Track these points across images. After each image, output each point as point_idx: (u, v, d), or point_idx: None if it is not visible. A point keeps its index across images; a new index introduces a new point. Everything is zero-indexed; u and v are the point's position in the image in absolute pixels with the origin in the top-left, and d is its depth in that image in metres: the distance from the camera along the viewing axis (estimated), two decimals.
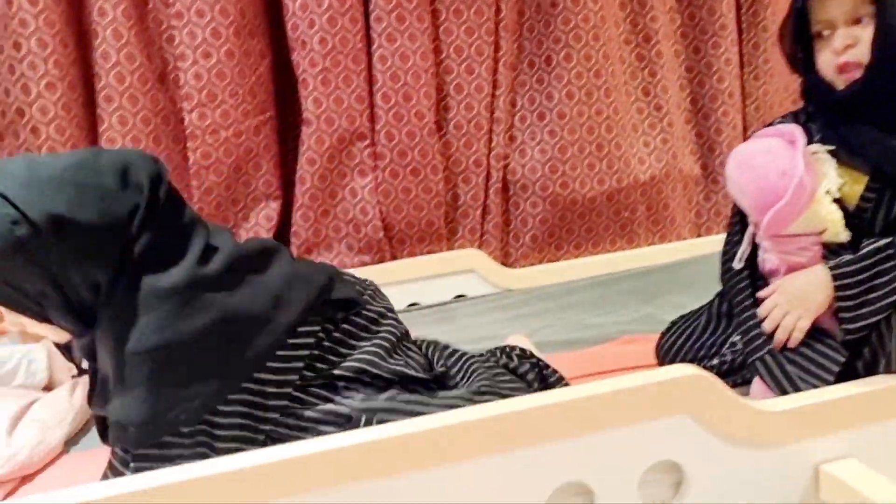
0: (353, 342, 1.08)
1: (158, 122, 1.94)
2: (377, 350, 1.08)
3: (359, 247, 2.11)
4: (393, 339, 1.12)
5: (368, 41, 1.99)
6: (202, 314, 0.92)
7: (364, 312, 1.11)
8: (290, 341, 0.99)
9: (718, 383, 1.05)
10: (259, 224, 2.08)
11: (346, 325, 1.08)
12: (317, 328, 1.03)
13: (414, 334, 1.76)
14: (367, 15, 1.97)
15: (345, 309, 1.08)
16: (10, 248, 0.84)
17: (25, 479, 1.32)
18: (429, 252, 2.17)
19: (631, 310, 1.96)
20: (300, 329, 1.00)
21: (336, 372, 1.03)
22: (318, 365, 1.02)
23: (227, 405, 0.93)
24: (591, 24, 2.07)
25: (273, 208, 2.08)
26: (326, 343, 1.04)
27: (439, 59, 2.05)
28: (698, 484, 1.07)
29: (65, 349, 1.04)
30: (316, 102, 1.96)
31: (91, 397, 1.02)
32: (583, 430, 0.98)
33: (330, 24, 1.91)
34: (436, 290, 2.16)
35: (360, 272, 2.08)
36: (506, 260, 2.26)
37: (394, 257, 2.16)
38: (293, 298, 1.01)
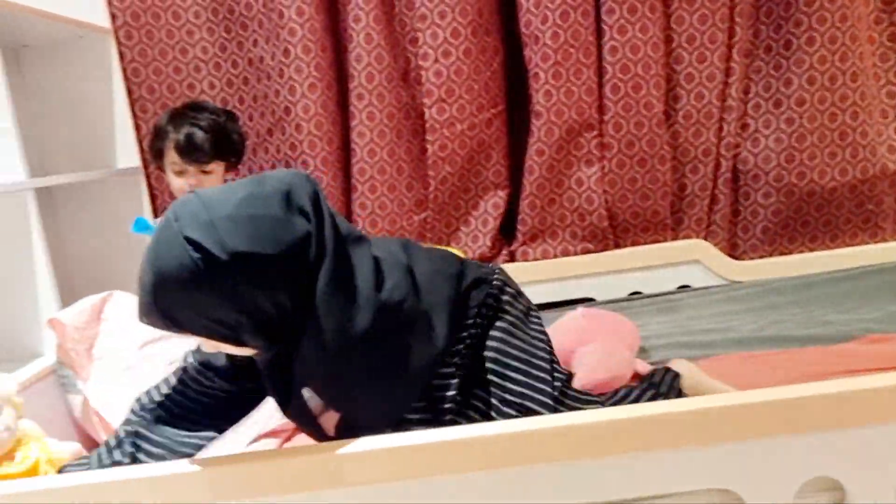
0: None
1: (401, 117, 2.10)
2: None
3: (583, 235, 2.16)
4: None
5: (599, 34, 2.02)
6: (394, 325, 1.01)
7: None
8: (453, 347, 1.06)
9: None
10: (487, 212, 2.19)
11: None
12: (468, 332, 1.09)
13: (637, 323, 1.79)
14: (598, 8, 2.01)
15: (475, 288, 1.13)
16: (203, 287, 0.91)
17: (297, 429, 1.50)
18: (653, 242, 2.17)
19: (875, 307, 1.84)
20: (459, 335, 1.07)
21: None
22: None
23: (412, 413, 1.03)
24: (838, 5, 1.95)
25: (501, 197, 2.19)
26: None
27: (670, 49, 2.04)
28: None
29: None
30: (546, 95, 2.03)
31: (283, 406, 1.11)
32: (838, 426, 0.96)
33: (562, 19, 1.97)
34: (659, 279, 2.16)
35: (584, 260, 2.16)
36: (733, 251, 2.20)
37: (617, 246, 2.18)
38: (441, 294, 1.08)
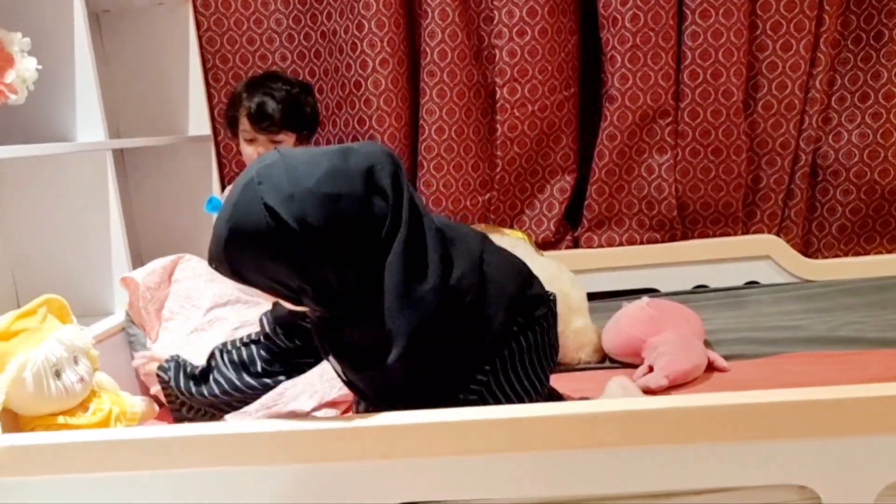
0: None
1: (471, 95, 2.08)
2: None
3: (650, 224, 2.11)
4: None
5: (680, 17, 1.97)
6: (454, 318, 0.99)
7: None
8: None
9: None
10: (553, 196, 2.16)
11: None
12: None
13: (701, 316, 1.75)
14: None
15: (535, 306, 1.10)
16: (274, 254, 0.93)
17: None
18: (722, 234, 2.12)
19: None
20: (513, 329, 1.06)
21: None
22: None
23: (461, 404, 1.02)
24: None
25: (568, 181, 2.15)
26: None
27: (753, 36, 1.97)
28: None
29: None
30: (622, 79, 1.98)
31: (327, 356, 1.11)
32: None
33: (643, 1, 1.92)
34: (726, 274, 2.11)
35: (649, 250, 2.12)
36: (806, 249, 2.14)
37: (685, 237, 2.14)
38: (504, 296, 1.06)
